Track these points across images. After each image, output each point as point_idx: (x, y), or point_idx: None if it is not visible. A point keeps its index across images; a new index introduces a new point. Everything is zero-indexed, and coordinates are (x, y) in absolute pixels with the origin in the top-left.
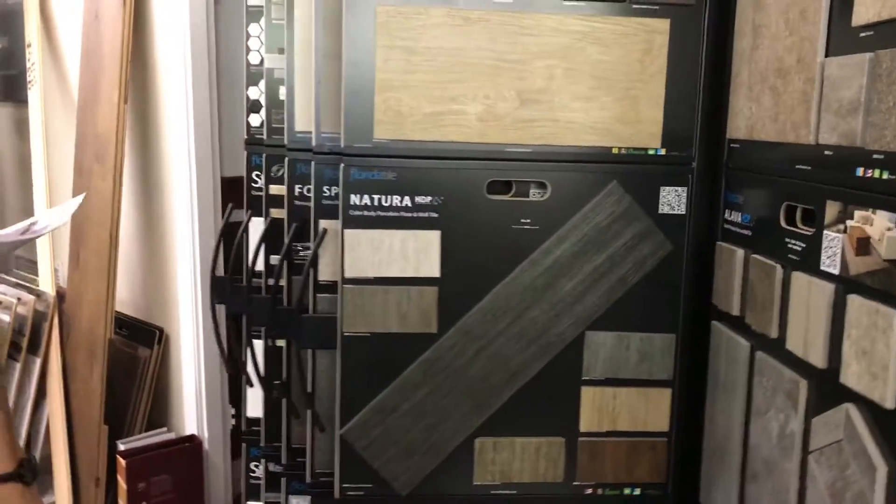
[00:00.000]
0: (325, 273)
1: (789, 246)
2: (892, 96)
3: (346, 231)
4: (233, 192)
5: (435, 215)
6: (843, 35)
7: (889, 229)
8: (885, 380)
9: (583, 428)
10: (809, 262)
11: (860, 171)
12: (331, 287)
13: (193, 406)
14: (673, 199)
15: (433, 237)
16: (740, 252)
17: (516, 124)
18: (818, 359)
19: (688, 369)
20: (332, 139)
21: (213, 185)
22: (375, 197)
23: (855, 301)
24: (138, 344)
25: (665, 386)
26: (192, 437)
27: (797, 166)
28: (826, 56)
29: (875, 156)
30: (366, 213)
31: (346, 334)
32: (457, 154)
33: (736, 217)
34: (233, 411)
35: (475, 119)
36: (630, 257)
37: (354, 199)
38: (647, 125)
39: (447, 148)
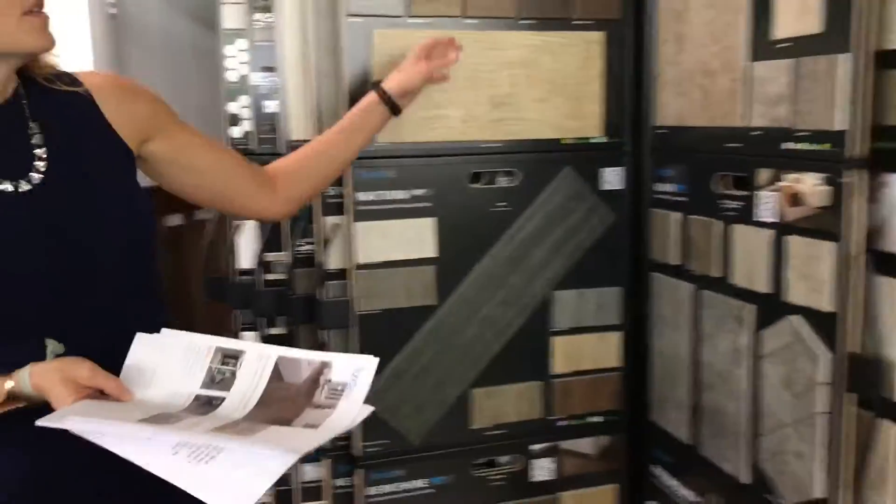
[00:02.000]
0: (334, 262)
1: (725, 206)
2: (815, 91)
3: (358, 224)
4: None
5: (429, 205)
6: (765, 45)
7: (817, 185)
8: (821, 292)
9: (554, 371)
10: (746, 216)
11: (787, 146)
12: (338, 274)
13: None
14: (612, 178)
15: (429, 224)
16: (676, 215)
17: (490, 124)
18: (763, 286)
19: (633, 314)
20: None
21: None
22: (380, 192)
23: (796, 240)
24: None
25: (617, 330)
26: None
27: (727, 144)
28: (752, 60)
29: (799, 133)
30: (372, 207)
31: (360, 313)
32: (445, 151)
33: (671, 188)
34: None
35: (458, 121)
36: (584, 227)
37: (362, 196)
38: (590, 119)
39: (437, 147)
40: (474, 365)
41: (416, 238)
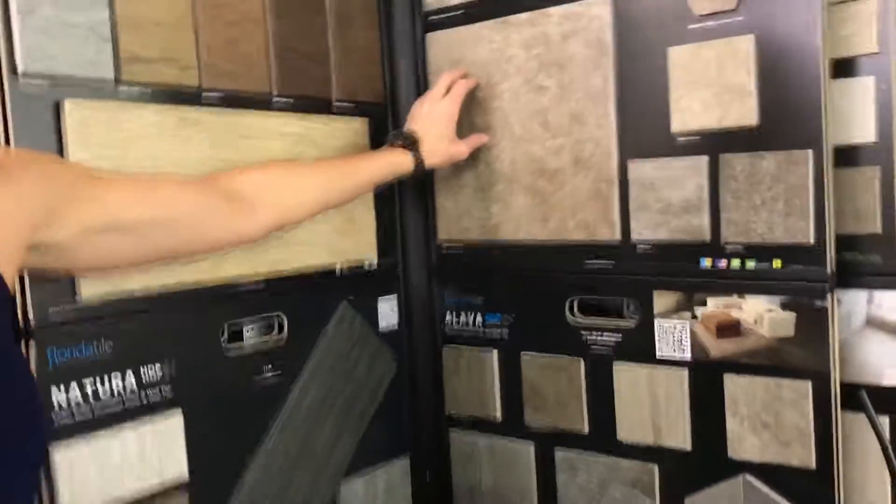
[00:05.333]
0: None
1: (592, 339)
2: (757, 195)
3: (57, 451)
4: None
5: (167, 390)
6: (660, 139)
7: (770, 311)
8: (793, 444)
9: None
10: (636, 350)
11: (706, 263)
12: None
13: None
14: (388, 311)
15: (174, 425)
16: (492, 353)
17: (246, 254)
18: (680, 441)
19: (433, 488)
20: None
21: None
22: (87, 383)
23: (740, 380)
24: None
25: None
26: None
27: (590, 262)
28: (636, 157)
29: (731, 247)
30: (77, 415)
31: None
32: (186, 300)
33: (471, 319)
34: None
35: (211, 256)
36: (368, 384)
37: (58, 395)
38: (365, 234)
39: (174, 296)
40: None
41: (156, 453)
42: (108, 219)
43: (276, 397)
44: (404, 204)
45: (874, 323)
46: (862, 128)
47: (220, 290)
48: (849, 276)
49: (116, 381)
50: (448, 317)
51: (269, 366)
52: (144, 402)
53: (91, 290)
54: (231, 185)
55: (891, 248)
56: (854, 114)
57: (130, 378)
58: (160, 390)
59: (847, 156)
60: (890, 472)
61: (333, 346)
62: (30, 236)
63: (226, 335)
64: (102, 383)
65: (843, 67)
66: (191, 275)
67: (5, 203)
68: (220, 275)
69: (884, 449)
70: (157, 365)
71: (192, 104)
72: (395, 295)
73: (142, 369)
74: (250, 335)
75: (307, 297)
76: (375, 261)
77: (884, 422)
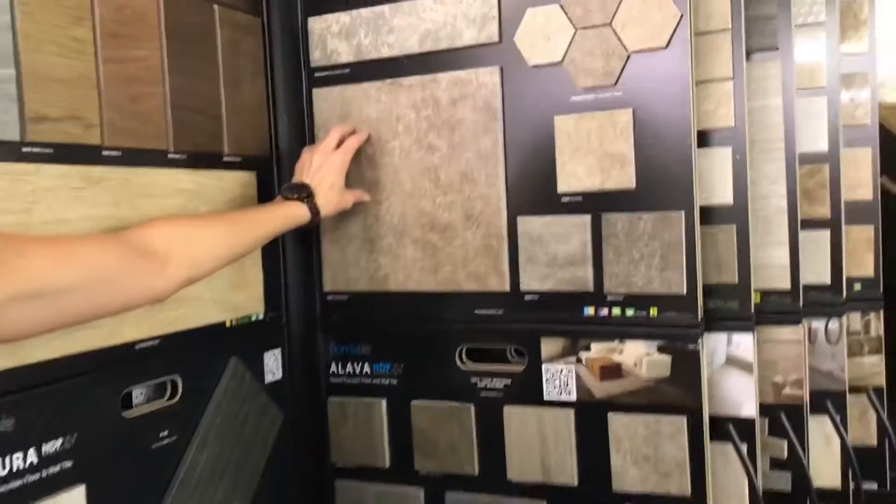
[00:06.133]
0: None
1: (482, 384)
2: (636, 250)
3: None
4: None
5: (69, 465)
6: (547, 198)
7: (648, 354)
8: (680, 474)
9: None
10: (525, 393)
11: (590, 311)
12: None
13: None
14: (273, 365)
15: (76, 495)
16: (381, 402)
17: (143, 313)
18: (568, 478)
19: None
20: None
21: None
22: None
23: (622, 418)
24: None
25: None
26: None
27: (480, 311)
28: (524, 214)
29: (612, 297)
30: None
31: None
32: (86, 367)
33: (357, 368)
34: None
35: (109, 318)
36: (257, 439)
37: None
38: (254, 288)
39: (74, 363)
40: None
41: None
42: (32, 286)
43: (172, 461)
44: (287, 256)
45: (732, 362)
46: (721, 191)
47: (117, 352)
48: (711, 321)
49: (17, 461)
50: (333, 367)
51: (166, 430)
52: (45, 478)
53: None
54: (143, 240)
55: (746, 296)
56: (714, 179)
57: (32, 455)
58: (61, 466)
59: (708, 215)
60: (750, 492)
61: (224, 404)
62: None
63: (121, 400)
64: (3, 465)
65: (704, 138)
66: (90, 340)
67: None
68: (119, 337)
69: (747, 472)
70: (60, 439)
71: (93, 163)
72: (280, 348)
73: (44, 445)
74: (141, 398)
75: (201, 355)
76: (262, 314)
77: (743, 448)
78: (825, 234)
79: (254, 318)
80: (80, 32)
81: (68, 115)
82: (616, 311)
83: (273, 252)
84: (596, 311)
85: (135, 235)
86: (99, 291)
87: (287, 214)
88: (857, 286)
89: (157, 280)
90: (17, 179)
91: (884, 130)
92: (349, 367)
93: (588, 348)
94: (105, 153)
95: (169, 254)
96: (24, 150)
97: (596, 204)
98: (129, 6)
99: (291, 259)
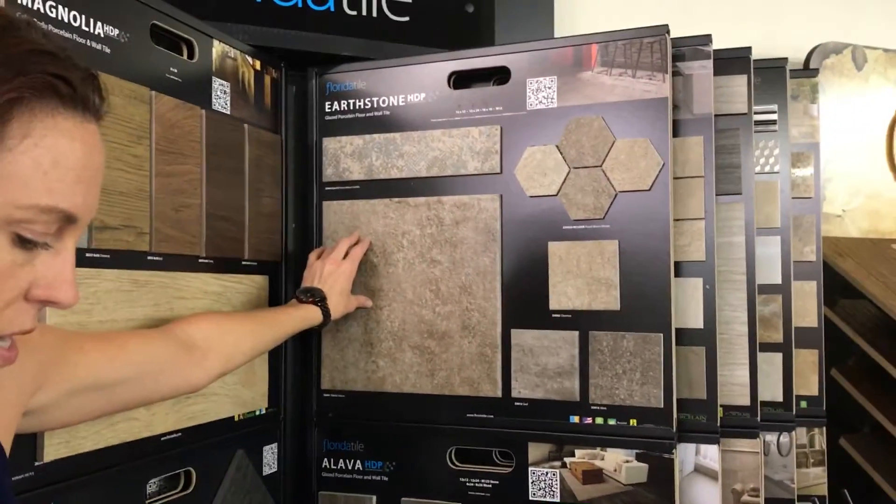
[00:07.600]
0: None
1: (471, 484)
2: (619, 366)
3: None
4: None
5: None
6: (540, 314)
7: (627, 461)
8: None
9: None
10: (512, 494)
11: (575, 419)
12: None
13: None
14: (270, 458)
15: None
16: (371, 498)
17: (171, 408)
18: None
19: None
20: None
21: None
22: None
23: None
24: None
25: None
26: None
27: (472, 415)
28: (518, 328)
29: (596, 407)
30: None
31: None
32: (124, 457)
33: (350, 464)
34: None
35: (144, 411)
36: None
37: None
38: (260, 385)
39: (115, 452)
40: None
41: None
42: (90, 380)
43: None
44: (288, 355)
45: (700, 470)
46: (693, 316)
47: (148, 443)
48: (682, 433)
49: None
50: (325, 462)
51: None
52: None
53: (53, 453)
54: (186, 334)
55: (713, 411)
56: (687, 305)
57: None
58: None
59: (681, 337)
60: None
61: (229, 496)
62: (26, 402)
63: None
64: None
65: (679, 269)
66: (129, 431)
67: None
68: (151, 430)
69: None
70: None
71: (141, 268)
72: (276, 442)
73: None
74: (153, 489)
75: (213, 447)
76: (265, 409)
77: None
78: (778, 357)
79: (258, 413)
80: (139, 150)
81: (124, 224)
82: (599, 420)
83: (276, 350)
84: (581, 419)
85: (178, 330)
86: (146, 382)
87: (303, 316)
88: (804, 404)
89: (197, 372)
90: (82, 283)
91: (826, 266)
92: (341, 463)
93: (572, 454)
94: (150, 258)
95: (208, 348)
96: (88, 255)
97: (584, 322)
98: (179, 126)
99: (291, 357)
